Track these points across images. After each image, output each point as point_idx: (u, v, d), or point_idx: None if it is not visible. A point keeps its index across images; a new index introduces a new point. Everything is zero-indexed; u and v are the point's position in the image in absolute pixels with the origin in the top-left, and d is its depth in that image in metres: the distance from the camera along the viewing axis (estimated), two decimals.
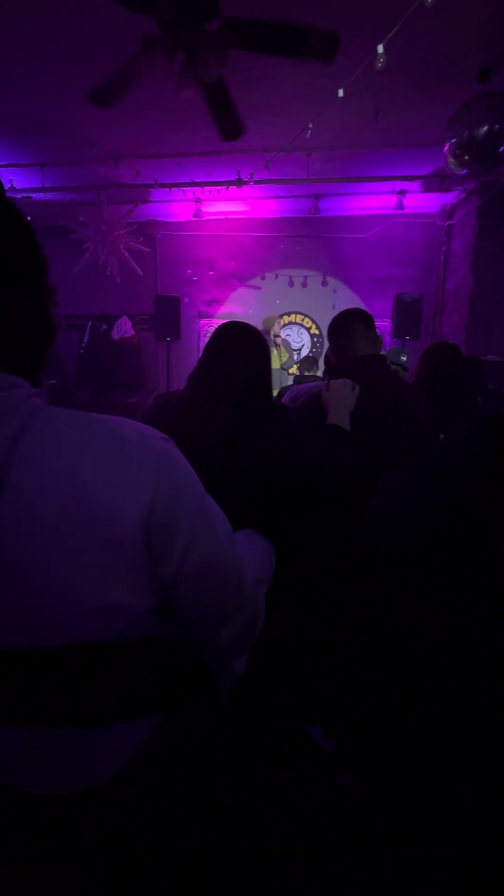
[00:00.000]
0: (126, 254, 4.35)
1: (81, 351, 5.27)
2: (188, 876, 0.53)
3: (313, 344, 5.28)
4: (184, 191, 4.22)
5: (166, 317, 4.77)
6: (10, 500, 0.39)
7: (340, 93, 2.22)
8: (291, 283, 5.13)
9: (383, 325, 4.67)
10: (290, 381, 4.58)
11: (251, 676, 0.75)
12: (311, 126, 2.70)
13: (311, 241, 5.04)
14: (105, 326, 5.27)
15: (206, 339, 1.16)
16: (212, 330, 5.21)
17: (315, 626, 1.05)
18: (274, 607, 0.85)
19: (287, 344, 5.00)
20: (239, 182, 3.85)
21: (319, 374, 4.10)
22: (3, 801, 0.53)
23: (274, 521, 1.01)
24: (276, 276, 5.16)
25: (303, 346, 5.29)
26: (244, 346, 1.07)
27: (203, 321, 5.37)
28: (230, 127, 2.29)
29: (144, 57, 1.69)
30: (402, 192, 4.20)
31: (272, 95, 2.73)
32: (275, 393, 2.62)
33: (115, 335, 5.22)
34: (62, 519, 0.40)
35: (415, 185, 4.14)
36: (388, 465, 1.00)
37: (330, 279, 5.08)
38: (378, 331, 1.42)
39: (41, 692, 0.44)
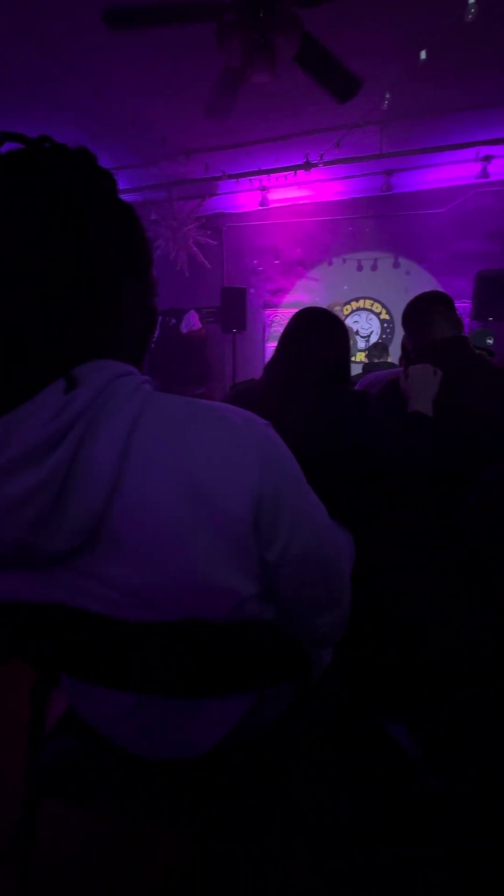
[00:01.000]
0: (195, 248, 4.45)
1: (152, 345, 5.50)
2: (263, 845, 0.54)
3: (383, 330, 5.04)
4: (250, 180, 4.21)
5: (232, 308, 4.82)
6: (130, 482, 0.41)
7: (423, 55, 2.05)
8: (360, 267, 4.92)
9: (462, 306, 4.32)
10: (358, 370, 4.43)
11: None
12: (388, 96, 2.54)
13: (382, 222, 4.78)
14: (174, 321, 5.45)
15: (271, 330, 1.16)
16: (277, 319, 5.13)
17: (366, 618, 1.01)
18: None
19: (352, 331, 4.83)
20: (307, 165, 3.75)
21: (390, 360, 3.90)
22: (111, 759, 0.58)
23: (353, 511, 0.99)
24: (344, 261, 4.98)
25: (372, 332, 5.07)
26: (321, 331, 1.05)
27: (268, 311, 5.35)
28: (342, 84, 2.11)
29: (220, 46, 1.68)
30: (487, 158, 3.82)
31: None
32: None
33: (184, 329, 5.38)
34: (178, 501, 0.41)
35: (502, 149, 3.75)
36: (478, 451, 0.92)
37: (402, 260, 4.79)
38: (457, 312, 1.31)
39: (152, 662, 0.47)
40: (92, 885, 0.85)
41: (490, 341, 3.18)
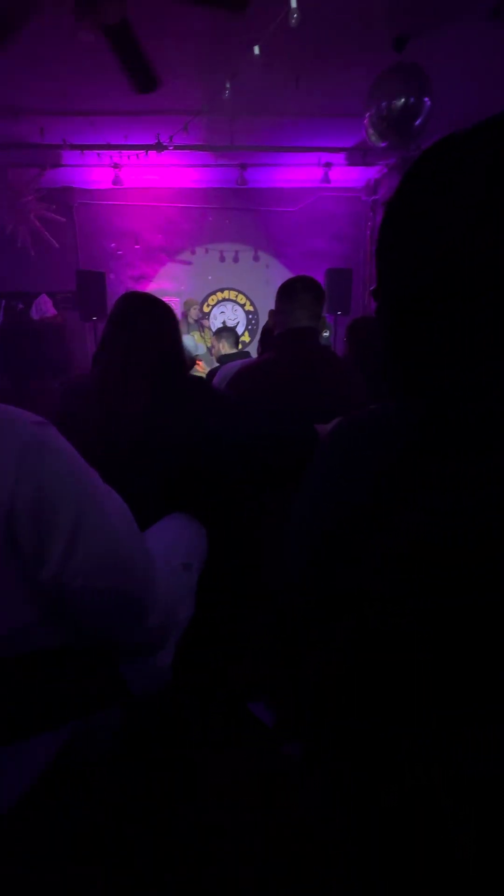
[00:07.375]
0: (38, 224, 3.97)
1: None
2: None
3: (248, 321, 5.22)
4: (99, 154, 3.89)
5: (90, 294, 4.44)
6: None
7: (256, 50, 2.12)
8: (223, 258, 5.00)
9: None
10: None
11: (189, 662, 0.73)
12: (228, 86, 2.57)
13: (241, 214, 4.91)
14: (22, 305, 4.82)
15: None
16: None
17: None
18: (214, 590, 0.83)
19: (209, 329, 4.87)
20: (159, 147, 3.62)
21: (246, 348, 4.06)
22: None
23: (210, 501, 0.98)
24: (207, 251, 4.99)
25: (237, 323, 5.21)
26: (150, 315, 1.01)
27: None
28: (142, 78, 2.10)
29: None
30: (328, 165, 4.19)
31: (185, 49, 2.56)
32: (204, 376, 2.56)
33: (35, 315, 4.80)
34: None
35: (339, 158, 4.14)
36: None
37: (261, 254, 5.01)
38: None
39: None
40: None
41: (326, 334, 3.52)
